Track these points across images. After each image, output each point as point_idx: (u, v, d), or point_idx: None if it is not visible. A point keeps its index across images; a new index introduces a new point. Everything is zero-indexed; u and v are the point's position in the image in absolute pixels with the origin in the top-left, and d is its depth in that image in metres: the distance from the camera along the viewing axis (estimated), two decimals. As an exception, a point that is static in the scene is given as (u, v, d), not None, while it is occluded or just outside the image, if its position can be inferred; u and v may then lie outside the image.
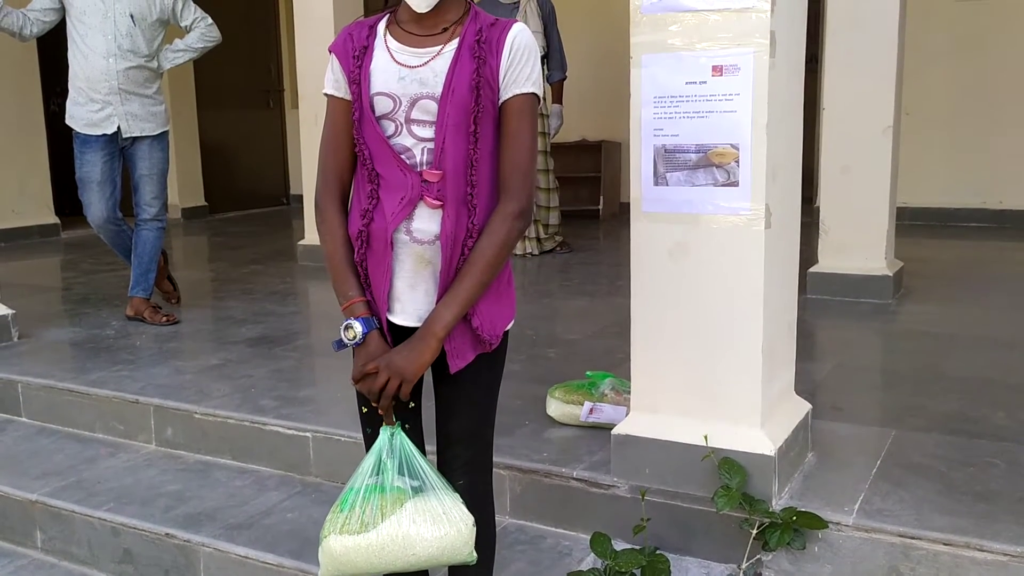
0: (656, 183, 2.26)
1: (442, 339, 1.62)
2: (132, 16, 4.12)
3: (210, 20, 4.35)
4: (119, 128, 4.18)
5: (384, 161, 1.64)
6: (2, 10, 4.01)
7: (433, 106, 1.62)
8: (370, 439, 1.76)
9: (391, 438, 1.67)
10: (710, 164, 2.18)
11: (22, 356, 3.81)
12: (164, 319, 4.26)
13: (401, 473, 1.65)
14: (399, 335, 1.69)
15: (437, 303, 1.65)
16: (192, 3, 4.32)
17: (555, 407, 2.82)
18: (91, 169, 4.23)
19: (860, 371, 3.38)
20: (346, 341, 1.66)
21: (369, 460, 1.67)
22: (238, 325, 4.27)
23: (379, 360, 1.62)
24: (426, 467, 1.66)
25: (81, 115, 4.19)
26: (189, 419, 3.10)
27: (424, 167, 1.63)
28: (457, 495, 1.67)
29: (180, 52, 4.35)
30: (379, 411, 1.66)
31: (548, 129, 5.85)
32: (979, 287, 4.76)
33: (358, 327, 1.64)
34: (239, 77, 9.07)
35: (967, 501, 2.21)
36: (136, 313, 4.32)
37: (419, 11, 1.62)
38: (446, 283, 1.65)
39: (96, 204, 4.26)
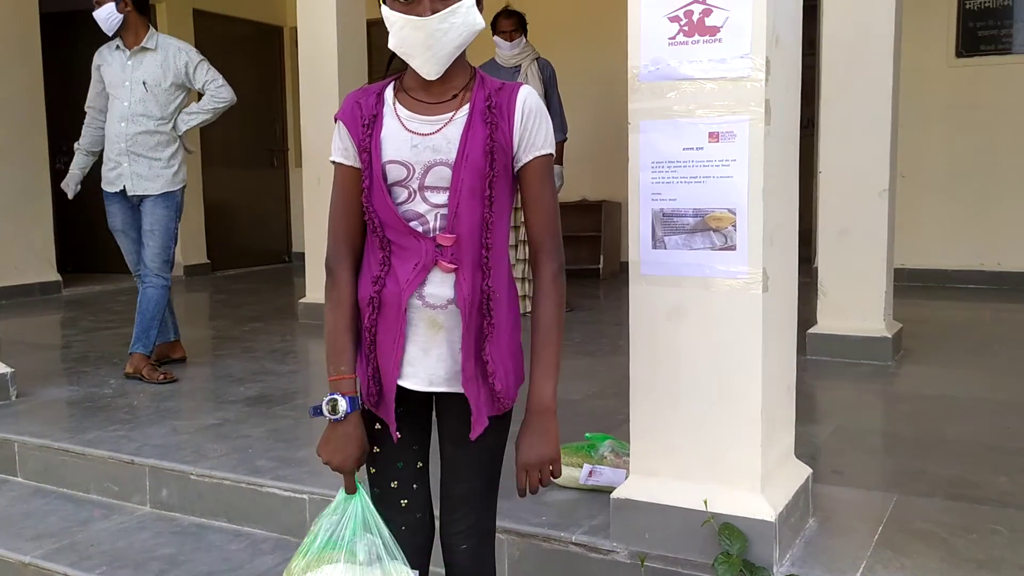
0: (654, 246, 2.28)
1: (555, 408, 1.66)
2: (145, 83, 4.34)
3: (221, 81, 4.44)
4: (125, 186, 4.40)
5: (396, 229, 1.64)
6: (77, 182, 4.65)
7: (447, 172, 1.62)
8: (377, 499, 1.77)
9: (346, 503, 1.68)
10: (707, 228, 2.20)
11: (19, 415, 3.80)
12: (161, 377, 4.26)
13: (353, 537, 1.65)
14: (409, 399, 1.70)
15: (532, 380, 1.67)
16: (206, 65, 4.43)
17: (554, 470, 2.80)
18: (114, 219, 4.53)
19: (861, 434, 3.37)
20: (326, 413, 1.66)
21: (325, 522, 1.68)
22: (237, 384, 4.26)
23: (519, 467, 1.66)
24: (382, 536, 1.66)
25: (103, 172, 4.52)
26: (185, 480, 3.07)
27: (437, 232, 1.63)
28: (404, 569, 1.66)
29: (193, 115, 4.47)
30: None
31: (548, 189, 5.90)
32: (979, 349, 4.75)
33: (343, 405, 1.65)
34: (244, 136, 9.20)
35: (969, 568, 2.18)
36: (135, 371, 4.32)
37: (429, 78, 1.63)
38: (469, 346, 1.64)
39: (126, 249, 4.57)
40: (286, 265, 9.66)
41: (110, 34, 4.39)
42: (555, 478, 1.69)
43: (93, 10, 4.33)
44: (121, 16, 4.31)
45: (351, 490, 1.68)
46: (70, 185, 4.63)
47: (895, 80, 4.30)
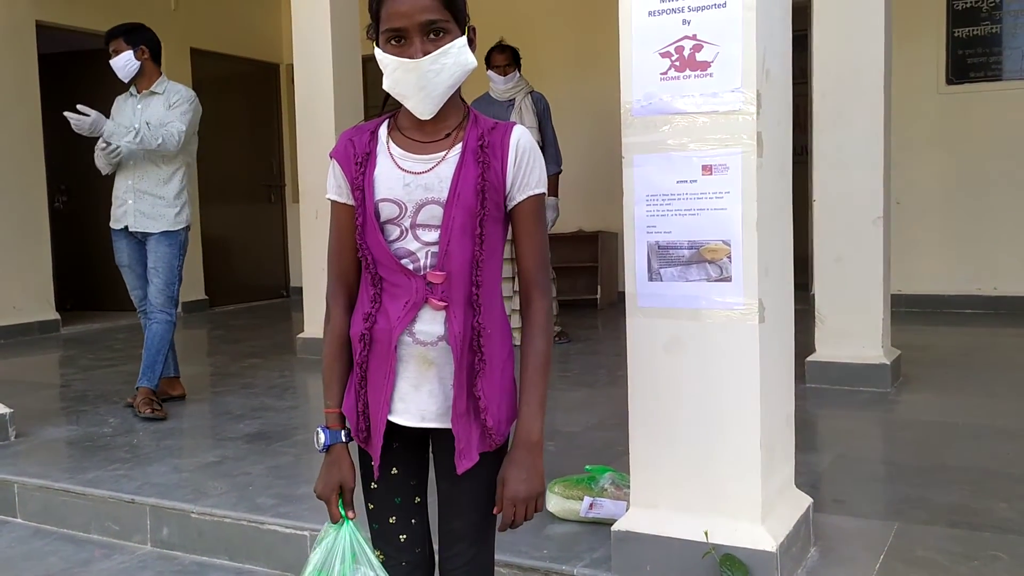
0: (650, 279, 2.30)
1: (542, 441, 1.67)
2: (149, 124, 4.43)
3: (179, 130, 4.36)
4: (128, 224, 4.50)
5: (388, 266, 1.66)
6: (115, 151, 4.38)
7: (439, 211, 1.64)
8: (377, 535, 1.77)
9: (338, 534, 1.68)
10: (703, 260, 2.22)
11: (19, 456, 3.79)
12: (148, 411, 4.27)
13: (342, 568, 1.65)
14: (401, 434, 1.71)
15: (521, 412, 1.68)
16: (186, 110, 4.43)
17: (555, 502, 2.80)
18: (120, 255, 4.62)
19: (861, 462, 3.36)
20: (315, 445, 1.72)
21: (316, 556, 1.68)
22: (236, 421, 4.25)
23: (504, 501, 1.66)
24: (372, 567, 1.66)
25: (111, 212, 4.61)
26: (185, 519, 3.06)
27: (428, 269, 1.65)
28: None
29: (131, 133, 4.31)
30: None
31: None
32: (977, 374, 4.76)
33: (322, 437, 1.70)
34: (242, 172, 9.25)
35: (973, 597, 2.18)
36: (134, 402, 4.36)
37: (422, 118, 1.65)
38: (461, 382, 1.65)
39: (130, 284, 4.64)
40: (284, 300, 9.67)
41: (126, 81, 4.52)
42: (538, 511, 1.70)
43: (110, 59, 4.45)
44: (139, 64, 4.47)
45: (334, 519, 1.70)
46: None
47: (887, 108, 4.34)
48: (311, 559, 1.69)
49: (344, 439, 1.72)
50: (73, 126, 4.30)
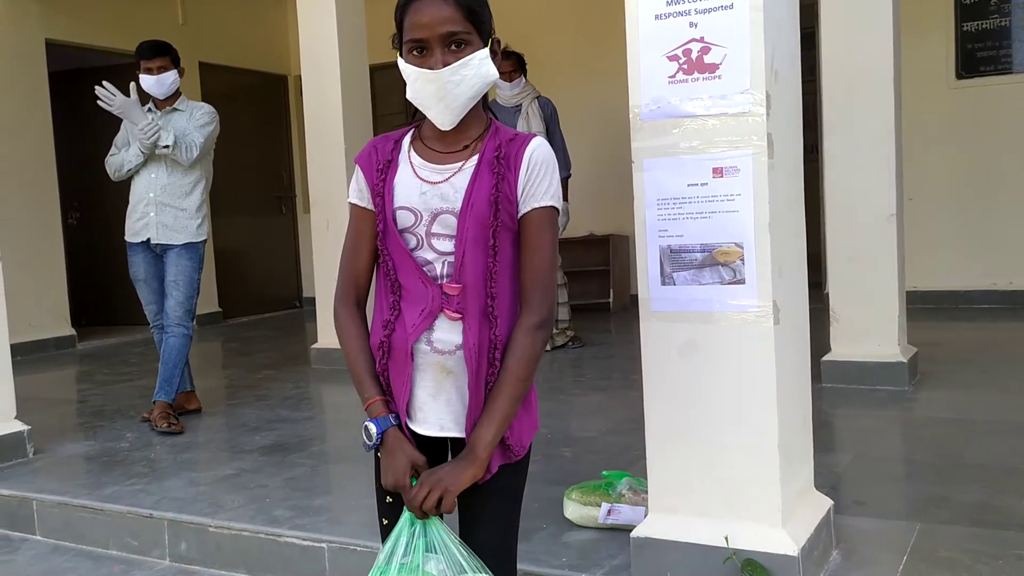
0: (663, 283, 2.29)
1: (485, 459, 1.62)
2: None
3: (196, 142, 4.43)
4: (150, 236, 4.50)
5: (407, 273, 1.67)
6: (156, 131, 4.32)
7: (453, 220, 1.64)
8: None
9: (411, 523, 1.63)
10: (716, 263, 2.21)
11: (37, 473, 3.80)
12: (165, 425, 4.28)
13: (429, 553, 1.61)
14: (424, 446, 1.69)
15: (476, 423, 1.63)
16: (208, 129, 4.50)
17: (572, 509, 2.79)
18: (136, 269, 4.60)
19: (881, 462, 3.34)
20: (367, 443, 1.66)
21: (398, 540, 1.63)
22: (252, 433, 4.26)
23: (423, 476, 1.62)
24: (459, 552, 1.62)
25: (128, 225, 4.60)
26: (204, 532, 3.06)
27: (445, 279, 1.65)
28: None
29: (169, 136, 4.36)
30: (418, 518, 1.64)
31: (556, 226, 5.93)
32: (995, 370, 4.72)
33: (372, 428, 1.65)
34: (252, 184, 9.28)
35: (998, 597, 2.15)
36: (151, 417, 4.37)
37: (443, 128, 1.66)
38: (479, 394, 1.64)
39: (146, 299, 4.62)
40: (297, 310, 9.68)
41: (163, 98, 4.53)
42: (446, 512, 1.62)
43: (153, 74, 4.44)
44: (179, 82, 4.55)
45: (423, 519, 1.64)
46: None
47: (896, 104, 4.32)
48: (386, 546, 1.63)
49: (394, 422, 1.66)
50: (105, 101, 4.28)
